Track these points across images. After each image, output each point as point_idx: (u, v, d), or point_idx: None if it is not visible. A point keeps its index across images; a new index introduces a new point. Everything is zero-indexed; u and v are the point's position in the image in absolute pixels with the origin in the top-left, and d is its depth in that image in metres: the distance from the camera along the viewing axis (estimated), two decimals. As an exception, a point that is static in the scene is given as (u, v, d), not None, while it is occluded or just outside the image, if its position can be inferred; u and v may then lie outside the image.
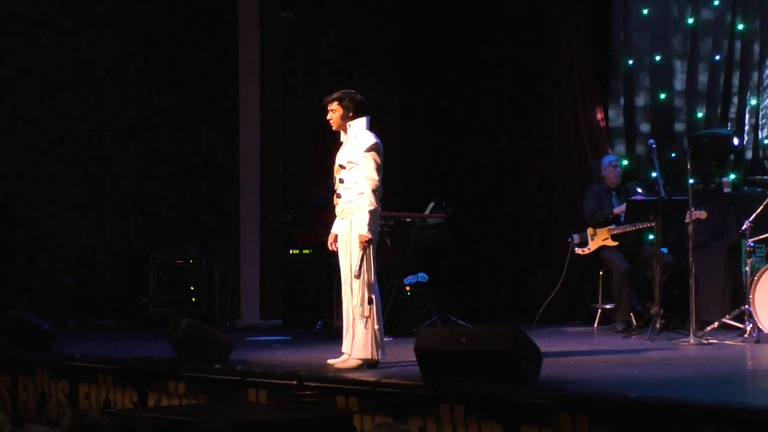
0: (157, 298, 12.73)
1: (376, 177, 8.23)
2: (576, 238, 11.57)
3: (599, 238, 11.44)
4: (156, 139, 13.33)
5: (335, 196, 8.46)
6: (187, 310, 12.01)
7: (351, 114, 8.40)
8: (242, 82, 13.62)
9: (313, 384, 7.40)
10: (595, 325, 11.53)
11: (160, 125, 13.35)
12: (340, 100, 8.43)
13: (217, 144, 13.60)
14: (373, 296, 8.24)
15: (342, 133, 8.51)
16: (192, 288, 12.86)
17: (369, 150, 8.27)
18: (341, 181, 8.39)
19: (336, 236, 8.52)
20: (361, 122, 8.41)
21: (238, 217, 13.58)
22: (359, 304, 8.21)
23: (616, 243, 11.33)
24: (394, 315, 10.84)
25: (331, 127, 8.53)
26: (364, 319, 8.18)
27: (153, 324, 12.12)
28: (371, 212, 8.20)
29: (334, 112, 8.45)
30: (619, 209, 11.35)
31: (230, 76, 13.61)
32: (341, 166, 8.40)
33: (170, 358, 8.58)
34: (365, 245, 8.19)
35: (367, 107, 8.50)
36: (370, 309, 8.20)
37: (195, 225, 13.34)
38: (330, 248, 8.64)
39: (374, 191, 8.22)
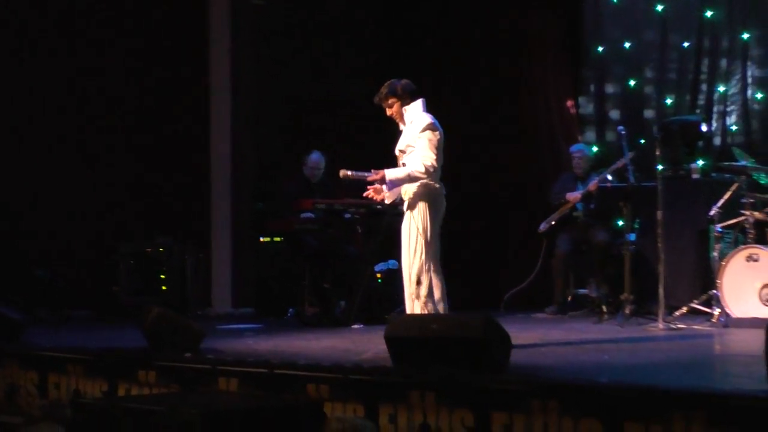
0: (128, 287, 12.69)
1: (431, 154, 8.22)
2: (543, 225, 11.68)
3: (558, 213, 11.61)
4: (126, 128, 13.28)
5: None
6: (159, 299, 11.98)
7: (408, 100, 8.41)
8: (213, 70, 13.59)
9: (283, 372, 7.40)
10: (565, 312, 11.59)
11: (130, 114, 13.31)
12: (393, 93, 8.43)
13: (188, 132, 13.56)
14: (422, 277, 8.23)
15: (401, 124, 8.51)
16: (163, 277, 12.82)
17: (424, 130, 8.28)
18: (404, 165, 8.39)
19: (380, 187, 8.45)
20: (416, 105, 8.42)
21: (209, 205, 13.57)
22: (414, 284, 8.24)
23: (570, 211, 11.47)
24: (365, 302, 10.87)
25: (396, 120, 8.51)
26: (419, 301, 8.20)
27: (125, 313, 12.08)
28: (409, 175, 8.20)
29: (392, 107, 8.46)
30: (573, 195, 11.47)
31: (201, 65, 13.57)
32: (402, 152, 8.41)
33: (141, 347, 8.56)
34: (377, 178, 8.23)
35: (417, 89, 8.50)
36: (417, 290, 8.21)
37: (166, 213, 13.29)
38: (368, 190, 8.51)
39: (427, 168, 8.20)
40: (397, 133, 8.58)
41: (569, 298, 11.67)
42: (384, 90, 8.47)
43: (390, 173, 8.29)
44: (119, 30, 13.27)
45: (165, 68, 13.43)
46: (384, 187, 8.40)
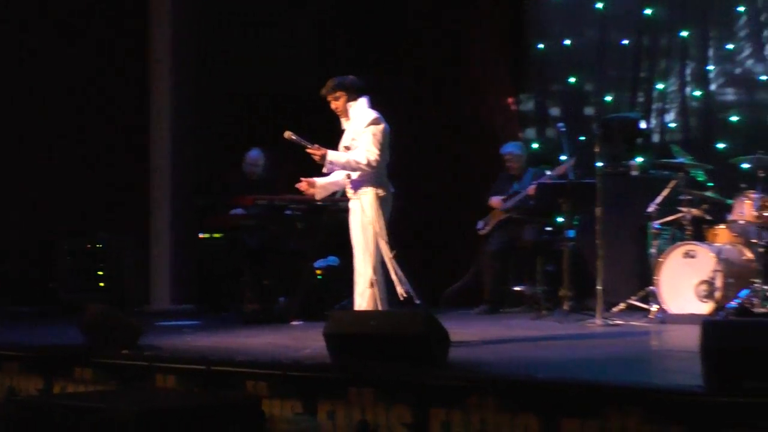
0: (67, 283, 12.59)
1: (374, 149, 8.23)
2: (481, 224, 11.71)
3: (494, 218, 11.61)
4: (65, 122, 13.16)
5: (345, 176, 8.38)
6: (97, 296, 11.90)
7: (354, 96, 8.39)
8: (154, 64, 13.48)
9: (221, 369, 7.37)
10: (506, 308, 11.63)
11: (69, 109, 13.18)
12: (341, 87, 8.40)
13: (128, 127, 13.45)
14: (375, 278, 8.21)
15: (344, 119, 8.48)
16: (102, 273, 12.73)
17: (369, 125, 8.29)
18: None
19: (313, 181, 8.48)
20: (362, 102, 8.40)
21: (149, 201, 13.46)
22: (364, 285, 8.20)
23: (507, 215, 11.50)
24: (304, 299, 10.85)
25: (339, 116, 8.47)
26: (367, 301, 8.16)
27: (64, 310, 11.99)
28: (350, 161, 8.20)
29: (339, 100, 8.42)
30: (496, 201, 11.62)
31: (141, 58, 13.46)
32: (346, 148, 8.36)
33: (78, 344, 8.49)
34: (318, 153, 8.21)
35: (364, 86, 8.49)
36: (372, 292, 8.18)
37: (106, 209, 13.19)
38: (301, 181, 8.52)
39: (370, 162, 8.20)
40: (339, 130, 8.55)
41: (509, 294, 11.69)
42: (332, 83, 8.45)
43: (332, 154, 8.28)
44: (55, 26, 13.14)
45: (104, 62, 13.31)
46: (316, 180, 8.39)
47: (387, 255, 8.25)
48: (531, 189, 11.28)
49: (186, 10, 13.49)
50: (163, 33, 13.45)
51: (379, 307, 8.21)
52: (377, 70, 13.24)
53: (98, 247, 12.76)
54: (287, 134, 8.39)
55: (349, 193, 8.42)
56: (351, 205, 8.42)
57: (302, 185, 8.50)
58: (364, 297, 8.21)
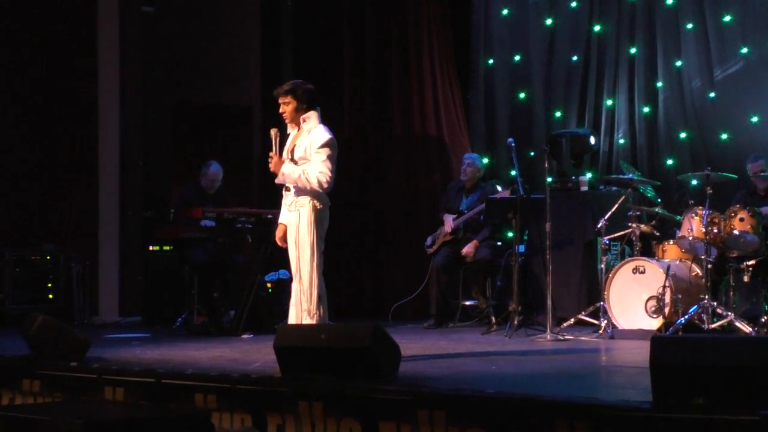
0: (13, 295, 12.48)
1: (328, 173, 8.14)
2: (429, 240, 11.70)
3: (441, 236, 11.61)
4: (12, 132, 13.06)
5: (284, 188, 8.33)
6: (44, 307, 11.81)
7: (305, 106, 8.27)
8: (102, 76, 13.40)
9: (171, 381, 7.33)
10: (455, 322, 11.63)
11: (16, 119, 13.08)
12: (293, 92, 8.25)
13: (76, 138, 13.37)
14: (323, 295, 8.15)
15: (290, 125, 8.36)
16: (49, 285, 12.64)
17: (324, 146, 8.18)
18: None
19: (285, 230, 8.36)
20: (314, 115, 8.30)
21: (97, 212, 13.37)
22: (308, 300, 8.14)
23: (452, 237, 11.52)
24: (254, 312, 10.83)
25: (285, 120, 8.34)
26: (312, 317, 8.10)
27: (9, 321, 11.88)
28: (300, 177, 8.11)
29: (288, 105, 8.27)
30: (447, 224, 11.55)
31: (89, 70, 13.38)
32: (293, 161, 8.26)
33: (25, 355, 8.42)
34: (276, 162, 8.17)
35: (318, 98, 8.41)
36: (319, 307, 8.14)
37: (53, 220, 13.11)
38: (279, 244, 8.44)
39: (321, 183, 8.12)
40: (284, 136, 8.48)
41: (458, 309, 11.69)
42: (285, 87, 8.31)
43: (287, 166, 8.20)
44: (4, 34, 13.04)
45: (52, 74, 13.21)
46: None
47: (319, 268, 8.20)
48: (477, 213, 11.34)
49: (133, 25, 13.43)
50: (111, 47, 13.37)
51: (325, 321, 8.20)
52: (322, 83, 13.26)
53: (46, 259, 12.66)
54: (274, 131, 8.31)
55: (287, 204, 8.36)
56: (288, 217, 8.36)
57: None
58: (310, 312, 8.15)
